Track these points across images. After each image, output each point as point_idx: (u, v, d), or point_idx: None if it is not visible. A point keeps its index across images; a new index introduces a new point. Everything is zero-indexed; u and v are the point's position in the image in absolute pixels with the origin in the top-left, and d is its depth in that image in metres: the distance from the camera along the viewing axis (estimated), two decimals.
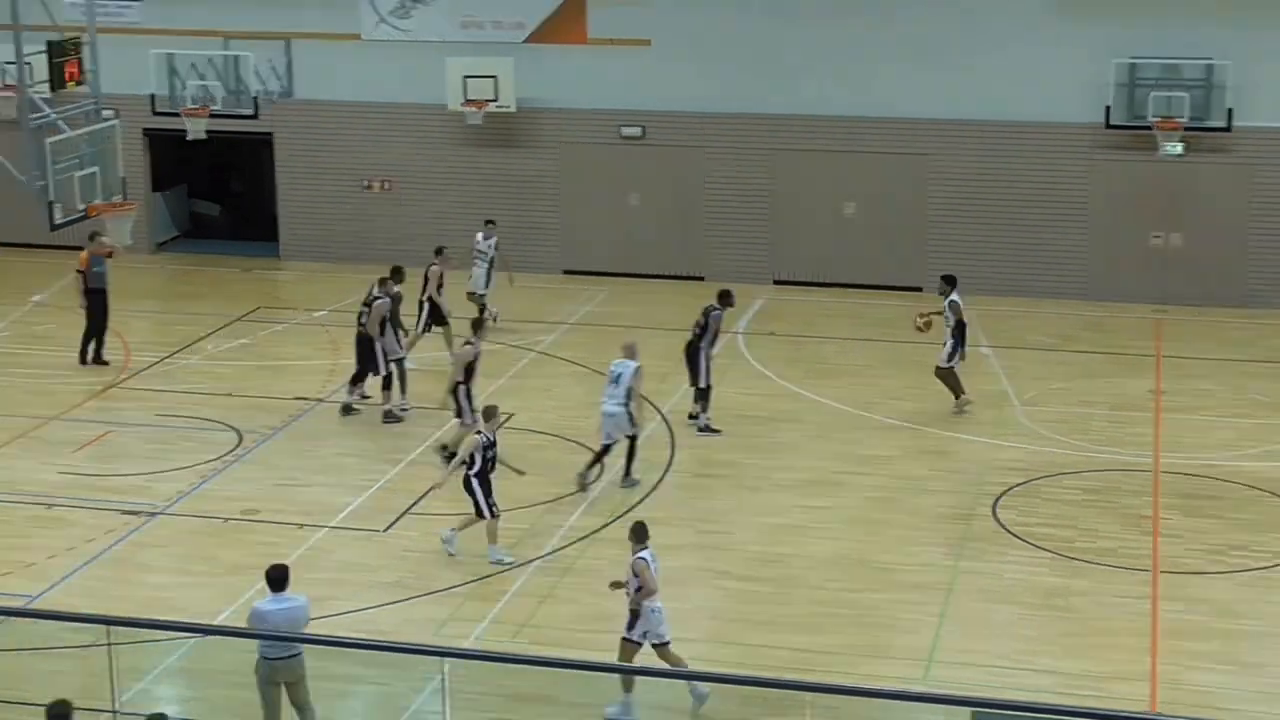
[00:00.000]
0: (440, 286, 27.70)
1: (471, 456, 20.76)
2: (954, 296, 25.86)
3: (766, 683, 15.79)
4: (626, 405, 23.19)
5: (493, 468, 20.87)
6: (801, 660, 18.26)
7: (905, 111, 32.39)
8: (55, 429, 25.50)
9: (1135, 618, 19.53)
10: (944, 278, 26.32)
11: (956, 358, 25.91)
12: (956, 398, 26.01)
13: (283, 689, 16.20)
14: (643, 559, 17.40)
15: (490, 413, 21.21)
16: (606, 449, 23.34)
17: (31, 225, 32.26)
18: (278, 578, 16.40)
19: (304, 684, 16.26)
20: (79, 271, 28.28)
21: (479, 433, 21.00)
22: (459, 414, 23.55)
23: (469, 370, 23.56)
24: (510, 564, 20.83)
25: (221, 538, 21.66)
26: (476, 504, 20.81)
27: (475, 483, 20.72)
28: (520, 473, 21.69)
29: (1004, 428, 25.56)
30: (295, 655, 16.13)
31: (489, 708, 17.14)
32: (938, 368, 26.00)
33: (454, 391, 23.57)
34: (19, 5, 24.61)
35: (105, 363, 28.31)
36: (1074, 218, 32.21)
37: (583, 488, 23.11)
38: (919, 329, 26.33)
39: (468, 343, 23.81)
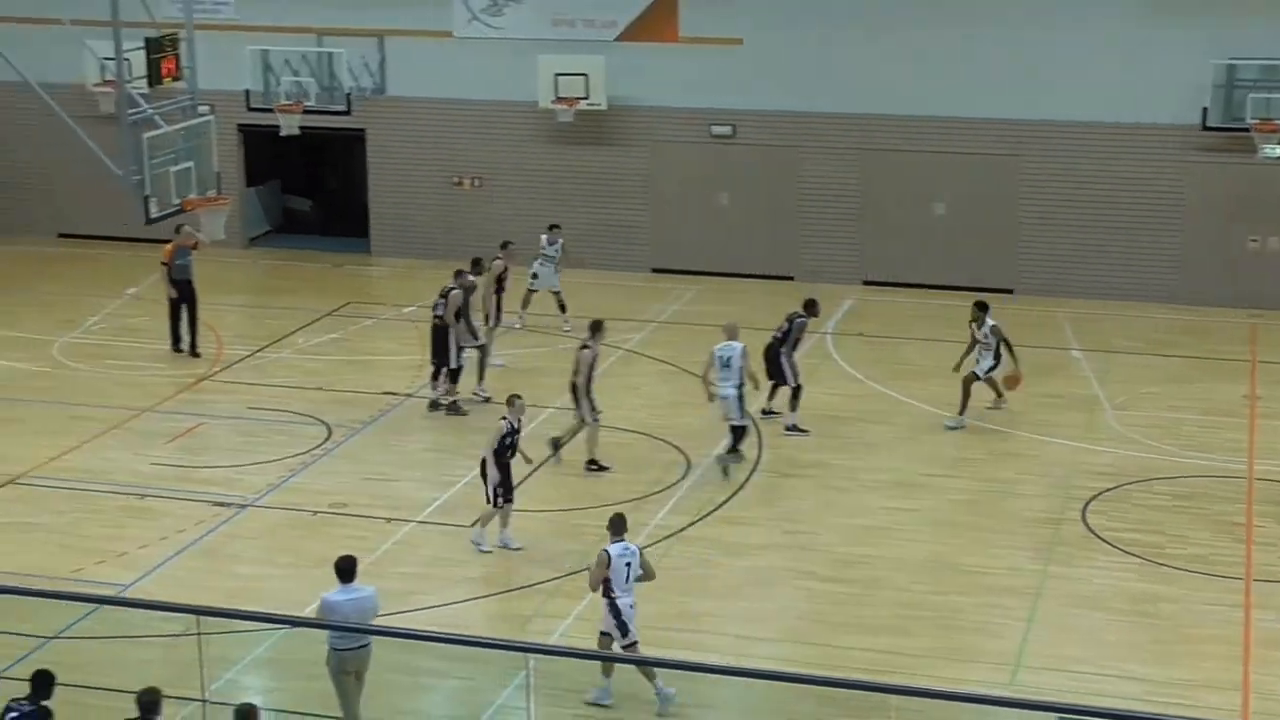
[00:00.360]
0: (503, 280, 27.75)
1: (498, 442, 21.06)
2: (990, 321, 25.39)
3: (849, 684, 15.71)
4: (740, 388, 23.56)
5: (513, 454, 21.18)
6: (885, 662, 18.19)
7: (997, 112, 32.18)
8: (148, 420, 25.77)
9: (1226, 626, 19.32)
10: (977, 304, 25.82)
11: (995, 370, 25.65)
12: (999, 395, 25.93)
13: (354, 677, 16.36)
14: (605, 551, 17.39)
15: (512, 401, 21.50)
16: (738, 431, 23.73)
17: (127, 219, 32.74)
18: (346, 569, 16.58)
19: (364, 676, 16.42)
20: (163, 264, 28.69)
21: (504, 419, 21.30)
22: (579, 412, 23.63)
23: (589, 371, 23.55)
24: (487, 552, 21.01)
25: (309, 530, 21.82)
26: (488, 491, 21.07)
27: (494, 468, 21.01)
28: (529, 460, 22.01)
29: (1094, 431, 25.35)
30: (364, 646, 16.30)
31: (572, 704, 17.19)
32: (975, 375, 25.56)
33: (574, 391, 23.61)
34: (119, 2, 24.85)
35: (198, 355, 28.61)
36: (1168, 221, 31.90)
37: (724, 472, 23.63)
38: (1006, 392, 25.97)
39: (585, 346, 23.68)
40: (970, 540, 21.62)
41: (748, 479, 23.49)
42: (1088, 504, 22.62)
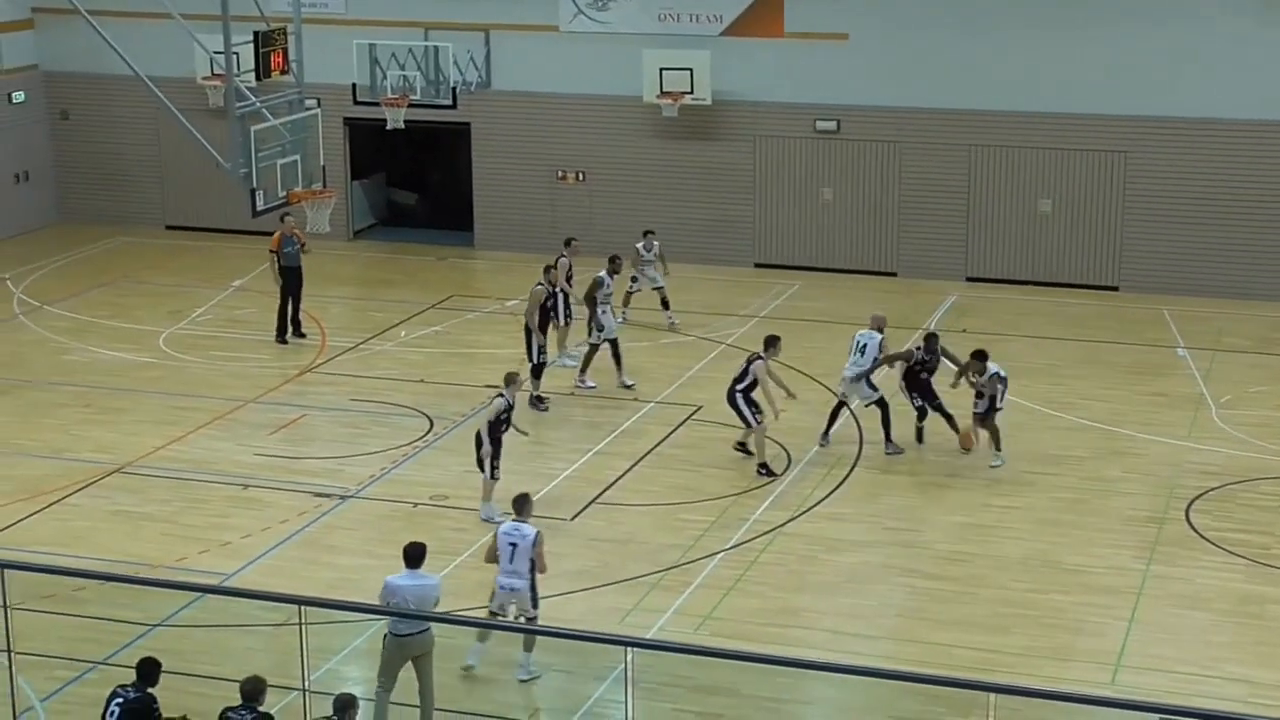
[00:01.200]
0: (569, 278, 27.64)
1: (496, 417, 21.70)
2: (993, 368, 23.87)
3: (949, 682, 15.66)
4: (868, 372, 24.00)
5: (506, 428, 21.76)
6: (985, 660, 18.09)
7: (1105, 108, 31.88)
8: (252, 411, 26.02)
9: None
10: (976, 354, 23.88)
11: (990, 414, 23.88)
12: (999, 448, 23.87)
13: (409, 664, 16.48)
14: (499, 528, 17.89)
15: (511, 378, 22.04)
16: (883, 407, 24.18)
17: (234, 212, 33.14)
18: (414, 554, 16.73)
19: (429, 660, 16.52)
20: (271, 252, 29.06)
21: (501, 395, 21.89)
22: (745, 421, 23.58)
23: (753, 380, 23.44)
24: (499, 522, 20.79)
25: (410, 522, 21.94)
26: (479, 460, 21.66)
27: (487, 441, 21.58)
28: (525, 434, 22.70)
29: (1200, 430, 25.07)
30: (424, 631, 16.41)
31: (671, 698, 17.20)
32: (978, 415, 23.89)
33: (733, 401, 23.59)
34: None
35: (303, 335, 29.00)
36: (1276, 217, 31.47)
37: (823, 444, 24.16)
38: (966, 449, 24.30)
39: (758, 357, 23.57)
40: (1072, 539, 21.45)
41: (848, 475, 23.41)
42: (1192, 503, 22.38)
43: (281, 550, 21.19)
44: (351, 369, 27.97)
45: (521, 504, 18.03)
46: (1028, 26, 32.04)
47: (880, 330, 24.53)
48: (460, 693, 17.45)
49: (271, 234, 29.45)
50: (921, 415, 24.43)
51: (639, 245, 30.00)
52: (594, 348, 26.78)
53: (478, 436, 21.74)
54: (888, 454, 24.04)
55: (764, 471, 23.29)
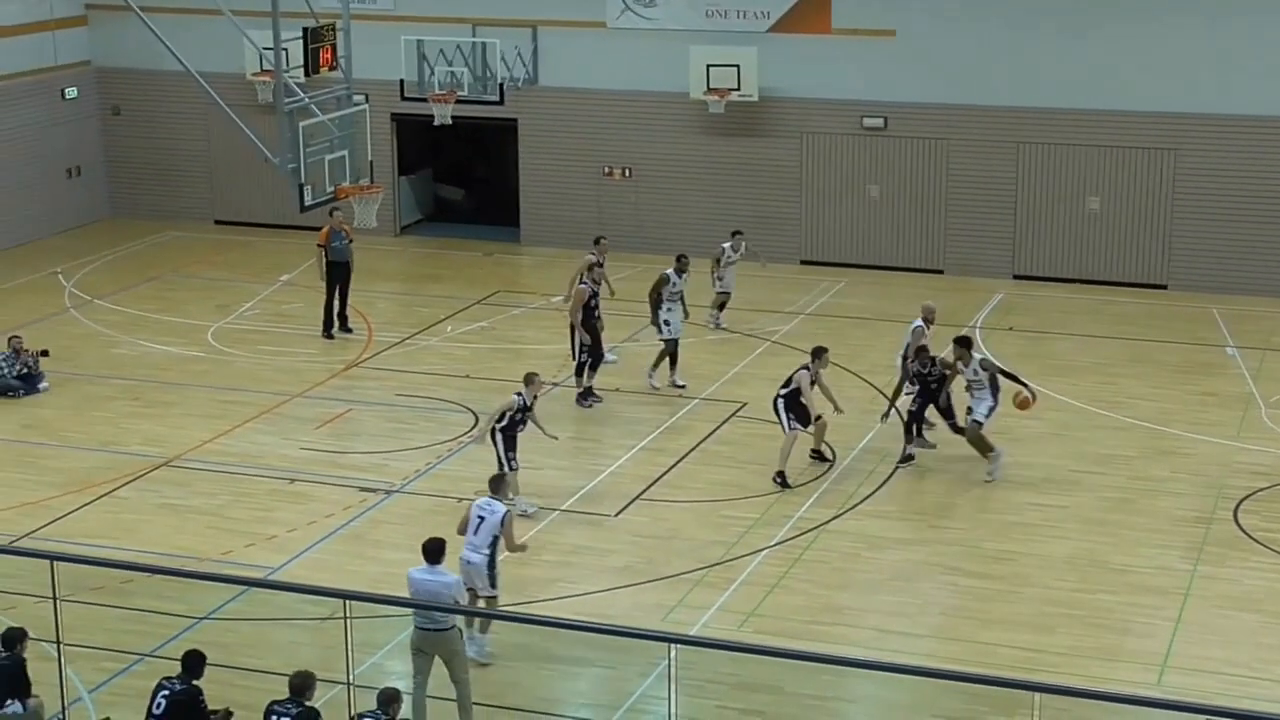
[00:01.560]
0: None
1: (502, 414, 21.62)
2: (978, 355, 23.65)
3: (994, 681, 15.60)
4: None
5: (523, 427, 21.81)
6: (1030, 660, 18.03)
7: (1155, 105, 31.72)
8: (298, 406, 26.12)
9: None
10: (958, 341, 23.55)
11: (997, 410, 23.34)
12: (988, 456, 23.29)
13: (436, 661, 16.49)
14: (474, 503, 18.27)
15: (530, 379, 22.13)
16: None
17: (282, 207, 33.29)
18: (433, 549, 16.74)
19: (459, 659, 16.53)
20: (319, 246, 29.20)
21: (518, 394, 21.91)
22: (782, 426, 23.36)
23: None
24: (531, 513, 21.55)
25: (455, 517, 21.79)
26: (498, 457, 21.58)
27: (499, 438, 21.57)
28: (553, 438, 22.52)
29: (1249, 430, 24.92)
30: (443, 629, 16.41)
31: (714, 695, 17.20)
32: (978, 423, 23.15)
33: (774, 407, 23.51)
34: None
35: (349, 330, 29.11)
36: None
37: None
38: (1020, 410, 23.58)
39: (805, 367, 23.43)
40: (1119, 538, 21.35)
41: (892, 473, 23.36)
42: (1240, 504, 22.25)
43: (326, 544, 21.27)
44: (397, 364, 28.04)
45: (496, 484, 18.56)
46: (1075, 23, 31.90)
47: (925, 320, 24.38)
48: (503, 687, 17.49)
49: (319, 229, 29.57)
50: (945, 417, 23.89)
51: (726, 245, 29.65)
52: (669, 344, 26.72)
53: (492, 434, 21.67)
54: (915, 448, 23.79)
55: (779, 481, 22.86)
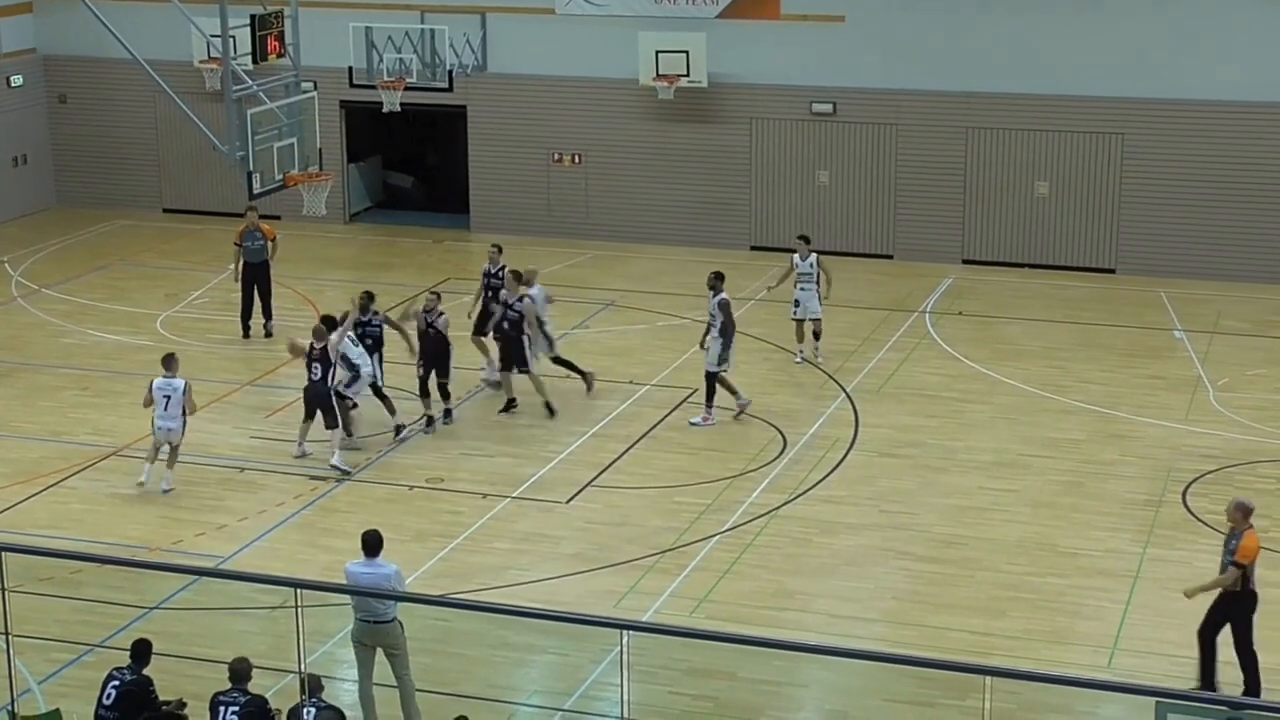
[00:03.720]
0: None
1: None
2: (724, 294, 24.31)
3: (946, 665, 15.65)
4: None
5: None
6: (981, 644, 18.12)
7: (1102, 90, 31.86)
8: (248, 394, 26.02)
9: None
10: (715, 274, 24.55)
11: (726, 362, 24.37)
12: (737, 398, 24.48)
13: (378, 653, 16.42)
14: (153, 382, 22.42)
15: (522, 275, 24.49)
16: None
17: (230, 195, 33.15)
18: (371, 542, 16.58)
19: (404, 657, 16.41)
20: (236, 245, 28.57)
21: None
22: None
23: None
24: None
25: (406, 505, 21.96)
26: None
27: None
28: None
29: (1197, 413, 25.07)
30: (384, 621, 16.29)
31: (667, 681, 17.22)
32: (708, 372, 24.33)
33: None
34: None
35: (270, 334, 28.48)
36: (1276, 200, 31.46)
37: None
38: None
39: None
40: (1069, 522, 21.46)
41: (843, 458, 23.42)
42: (1189, 486, 22.39)
43: (278, 533, 21.20)
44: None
45: (168, 361, 22.46)
46: (1025, 8, 32.01)
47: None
48: (455, 675, 17.46)
49: (276, 218, 29.23)
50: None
51: (794, 257, 26.92)
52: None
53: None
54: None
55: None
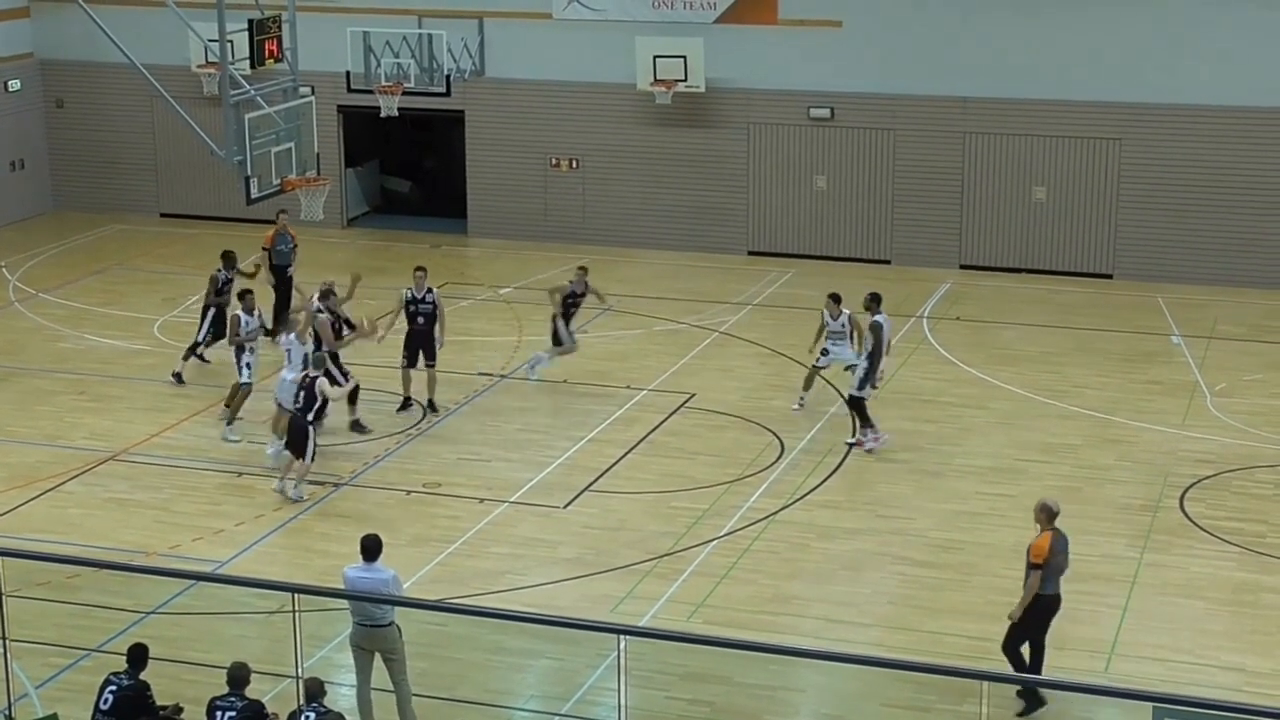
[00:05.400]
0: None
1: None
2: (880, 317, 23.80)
3: (942, 670, 15.67)
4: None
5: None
6: (978, 648, 18.08)
7: (1100, 95, 31.89)
8: (246, 399, 25.96)
9: None
10: (871, 295, 24.07)
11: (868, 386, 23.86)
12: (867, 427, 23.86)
13: (376, 657, 16.39)
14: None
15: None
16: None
17: (228, 199, 33.15)
18: (370, 547, 16.53)
19: (401, 662, 16.38)
20: (264, 249, 28.68)
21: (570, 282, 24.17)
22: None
23: None
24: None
25: (404, 510, 21.96)
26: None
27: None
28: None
29: (1194, 418, 25.08)
30: (381, 625, 16.27)
31: (663, 685, 17.21)
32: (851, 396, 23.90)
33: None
34: None
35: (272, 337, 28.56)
36: (1273, 205, 31.47)
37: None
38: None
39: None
40: (1066, 527, 21.15)
41: (841, 463, 23.42)
42: (1186, 491, 22.40)
43: (274, 538, 21.19)
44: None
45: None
46: (1022, 13, 32.04)
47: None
48: (452, 680, 17.47)
49: (269, 222, 29.25)
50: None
51: (825, 314, 24.86)
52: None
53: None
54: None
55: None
